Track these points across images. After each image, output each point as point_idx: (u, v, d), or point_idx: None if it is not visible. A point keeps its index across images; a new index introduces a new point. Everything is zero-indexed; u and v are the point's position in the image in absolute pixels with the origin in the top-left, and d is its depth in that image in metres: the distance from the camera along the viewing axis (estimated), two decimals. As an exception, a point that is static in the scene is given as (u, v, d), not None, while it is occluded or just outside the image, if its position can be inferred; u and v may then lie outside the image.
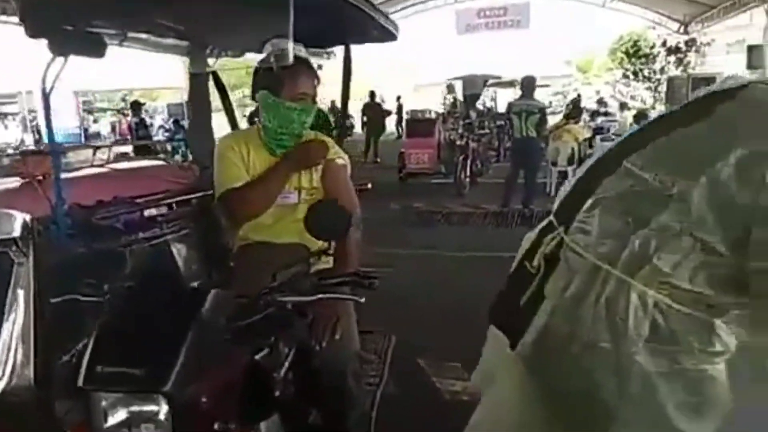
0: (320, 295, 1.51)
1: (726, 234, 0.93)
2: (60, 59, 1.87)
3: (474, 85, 10.78)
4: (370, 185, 3.00)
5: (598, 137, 9.95)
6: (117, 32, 2.02)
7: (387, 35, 2.44)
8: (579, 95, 18.85)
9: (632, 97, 20.93)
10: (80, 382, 1.24)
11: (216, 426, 1.36)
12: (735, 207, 0.92)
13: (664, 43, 19.62)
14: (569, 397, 1.07)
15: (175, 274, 1.89)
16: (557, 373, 1.08)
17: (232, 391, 1.41)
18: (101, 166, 3.81)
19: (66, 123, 19.19)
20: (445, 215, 7.71)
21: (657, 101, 18.64)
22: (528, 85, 7.85)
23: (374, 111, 13.84)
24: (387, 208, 8.32)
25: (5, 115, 21.70)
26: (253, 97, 2.06)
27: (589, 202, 1.13)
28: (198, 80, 2.06)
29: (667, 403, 1.00)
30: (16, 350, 1.55)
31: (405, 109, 16.20)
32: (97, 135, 20.23)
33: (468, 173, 9.08)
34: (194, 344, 1.32)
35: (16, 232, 1.52)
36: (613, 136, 9.64)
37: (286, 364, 1.73)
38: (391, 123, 17.77)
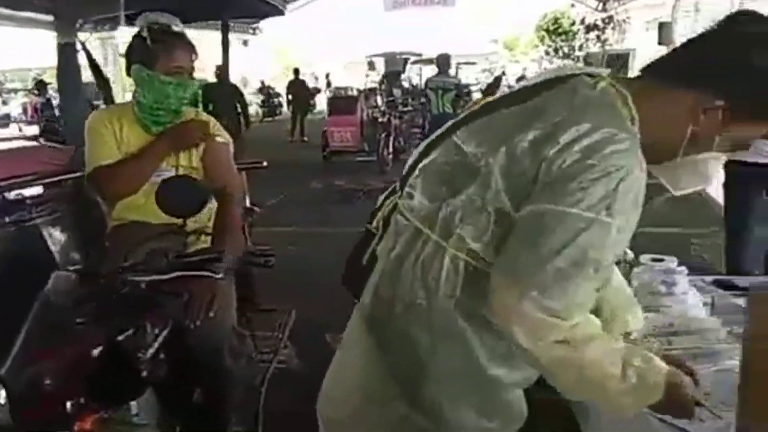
0: (175, 273, 1.49)
1: (514, 204, 1.00)
2: None
3: (395, 63, 10.83)
4: (265, 163, 2.97)
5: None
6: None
7: (271, 10, 2.41)
8: (504, 72, 19.24)
9: (556, 75, 21.55)
10: None
11: (68, 407, 1.34)
12: (524, 179, 0.99)
13: (582, 21, 20.21)
14: (396, 356, 1.12)
15: (41, 258, 1.84)
16: (386, 332, 1.13)
17: (83, 372, 1.38)
18: None
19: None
20: (366, 192, 7.76)
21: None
22: (443, 62, 8.00)
23: (299, 89, 13.67)
24: (309, 186, 8.31)
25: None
26: (127, 72, 2.00)
27: (417, 169, 1.18)
28: (66, 55, 1.97)
29: (480, 355, 1.08)
30: None
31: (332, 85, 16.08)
32: (6, 117, 19.06)
33: (391, 150, 9.15)
34: (34, 327, 1.29)
35: None
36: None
37: (156, 344, 1.71)
38: (322, 101, 17.63)
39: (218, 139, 2.13)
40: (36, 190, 2.19)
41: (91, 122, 2.02)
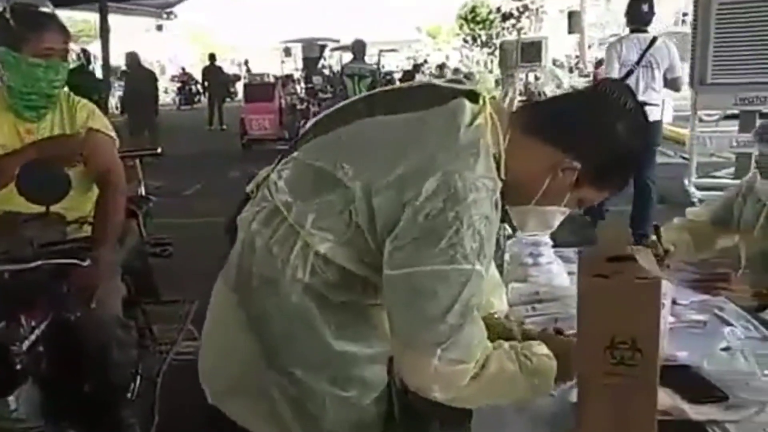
0: (38, 262, 1.46)
1: (374, 228, 1.04)
2: None
3: (312, 50, 10.75)
4: (159, 149, 2.91)
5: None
6: None
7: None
8: (426, 60, 19.49)
9: (477, 62, 22.06)
10: None
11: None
12: (391, 210, 1.03)
13: (498, 9, 20.77)
14: (260, 326, 1.14)
15: None
16: (250, 303, 1.14)
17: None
18: None
19: None
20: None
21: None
22: (359, 48, 8.06)
23: (215, 75, 13.30)
24: (227, 176, 8.14)
25: None
26: None
27: (291, 155, 1.19)
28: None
29: (326, 333, 1.12)
30: None
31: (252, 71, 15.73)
32: None
33: (309, 137, 9.09)
34: None
35: None
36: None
37: (32, 336, 1.67)
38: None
39: (99, 128, 2.07)
40: None
41: None
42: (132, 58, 9.39)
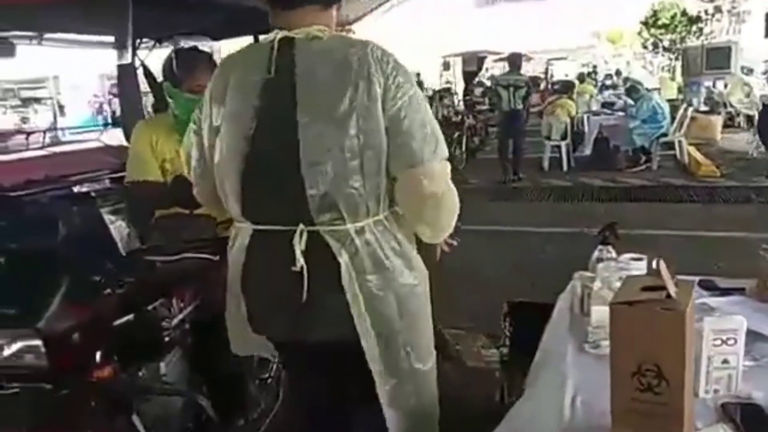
0: (180, 256, 1.80)
1: None
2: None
3: (471, 62, 10.87)
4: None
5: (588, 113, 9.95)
6: (33, 35, 2.35)
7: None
8: (595, 68, 18.60)
9: (662, 69, 20.55)
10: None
11: (97, 357, 1.67)
12: None
13: (684, 12, 19.16)
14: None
15: (104, 242, 2.21)
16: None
17: (110, 333, 1.71)
18: (40, 148, 4.23)
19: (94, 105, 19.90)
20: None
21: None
22: (514, 60, 8.11)
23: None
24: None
25: (37, 99, 22.57)
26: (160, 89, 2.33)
27: None
28: (125, 69, 2.35)
29: (391, 312, 1.44)
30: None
31: (425, 85, 16.23)
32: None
33: (464, 149, 9.26)
34: (70, 292, 1.63)
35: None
36: (613, 112, 9.70)
37: (181, 315, 2.04)
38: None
39: None
40: (101, 184, 2.61)
41: (133, 136, 2.36)
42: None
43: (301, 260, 1.38)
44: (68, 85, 21.16)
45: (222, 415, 2.11)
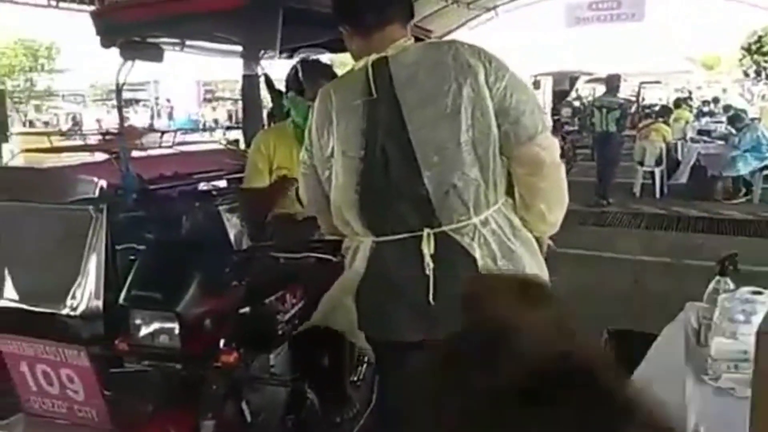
0: (302, 254, 1.89)
1: None
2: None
3: (562, 82, 10.68)
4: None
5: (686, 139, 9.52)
6: (177, 41, 2.55)
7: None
8: (690, 93, 17.82)
9: (763, 97, 19.44)
10: (120, 300, 1.72)
11: (221, 344, 1.79)
12: None
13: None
14: None
15: (220, 237, 2.36)
16: None
17: (233, 322, 1.82)
18: (170, 147, 4.53)
19: (190, 109, 21.07)
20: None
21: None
22: (611, 82, 7.94)
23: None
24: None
25: (138, 101, 24.15)
26: (286, 97, 2.47)
27: None
28: (250, 80, 2.51)
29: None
30: (90, 283, 2.04)
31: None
32: (215, 121, 21.90)
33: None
34: (203, 282, 1.76)
35: (94, 194, 2.03)
36: (712, 140, 9.25)
37: (293, 310, 2.14)
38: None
39: None
40: (221, 183, 2.78)
41: (253, 145, 2.52)
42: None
43: (429, 261, 1.44)
44: (167, 90, 22.49)
45: (325, 409, 2.20)
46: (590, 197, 8.00)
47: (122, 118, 3.11)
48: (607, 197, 7.85)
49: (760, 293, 1.77)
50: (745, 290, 1.79)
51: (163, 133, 6.07)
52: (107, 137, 4.26)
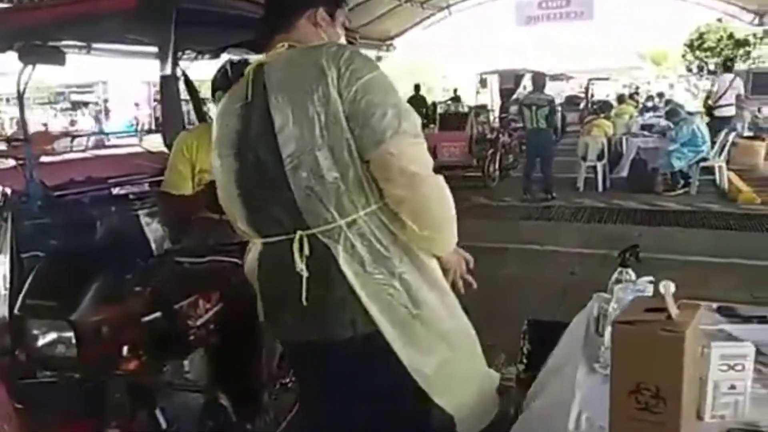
0: (208, 258, 1.88)
1: None
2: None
3: (508, 80, 10.87)
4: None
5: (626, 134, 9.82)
6: (82, 44, 2.49)
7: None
8: (637, 88, 18.34)
9: (708, 93, 20.11)
10: (15, 310, 1.68)
11: (125, 351, 1.76)
12: None
13: (731, 36, 18.76)
14: None
15: (139, 242, 2.32)
16: None
17: (138, 329, 1.80)
18: (83, 151, 4.44)
19: (144, 112, 20.57)
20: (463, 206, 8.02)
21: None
22: (538, 80, 8.24)
23: (419, 104, 14.07)
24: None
25: (85, 103, 23.48)
26: (212, 96, 2.44)
27: None
28: (167, 80, 2.47)
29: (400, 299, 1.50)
30: (-4, 290, 1.98)
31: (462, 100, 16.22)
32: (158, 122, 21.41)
33: (497, 167, 9.24)
34: (102, 288, 1.73)
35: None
36: (652, 134, 9.55)
37: (207, 316, 2.12)
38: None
39: None
40: (140, 187, 2.73)
41: (177, 145, 2.46)
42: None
43: (300, 264, 1.45)
44: (115, 91, 21.93)
45: (240, 416, 2.18)
46: (526, 193, 8.19)
47: (25, 124, 3.03)
48: (551, 191, 8.03)
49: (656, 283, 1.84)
50: (644, 280, 1.86)
51: (74, 137, 5.96)
52: (14, 143, 4.14)
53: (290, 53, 1.52)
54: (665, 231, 6.48)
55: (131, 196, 2.56)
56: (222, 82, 2.34)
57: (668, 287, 1.11)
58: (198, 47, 2.79)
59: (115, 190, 2.68)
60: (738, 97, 10.03)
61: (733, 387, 1.30)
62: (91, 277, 1.73)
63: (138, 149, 4.51)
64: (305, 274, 1.45)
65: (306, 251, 1.45)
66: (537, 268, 5.10)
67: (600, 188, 8.58)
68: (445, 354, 1.59)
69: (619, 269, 2.01)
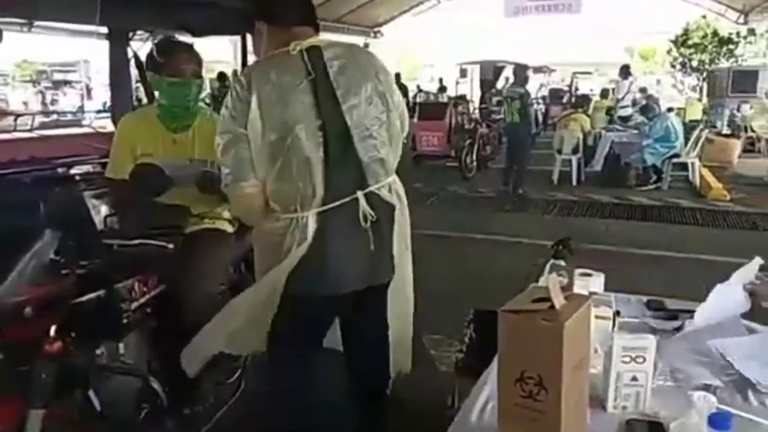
0: (138, 241, 1.87)
1: None
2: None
3: (489, 71, 10.86)
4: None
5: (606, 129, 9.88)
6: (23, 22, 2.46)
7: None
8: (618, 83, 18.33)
9: (693, 89, 20.24)
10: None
11: (52, 332, 1.75)
12: None
13: (715, 33, 18.84)
14: None
15: (83, 223, 2.29)
16: None
17: (66, 310, 1.78)
18: (29, 131, 4.37)
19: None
20: (440, 196, 8.09)
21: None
22: (519, 72, 8.22)
23: (401, 93, 13.93)
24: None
25: (67, 82, 23.08)
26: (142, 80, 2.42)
27: None
28: (117, 60, 2.45)
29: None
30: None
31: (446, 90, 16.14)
32: (139, 101, 21.09)
33: (474, 158, 9.25)
34: (27, 269, 1.71)
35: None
36: (626, 129, 9.61)
37: (142, 299, 2.12)
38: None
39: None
40: (86, 168, 2.71)
41: (119, 128, 2.44)
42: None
43: (368, 217, 1.79)
44: (96, 70, 21.56)
45: (177, 400, 2.19)
46: (503, 185, 8.25)
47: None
48: (521, 184, 8.03)
49: (587, 275, 1.87)
50: (577, 272, 1.89)
51: (17, 116, 5.91)
52: (-48, 122, 4.12)
53: (343, 45, 1.89)
54: (633, 225, 6.55)
55: (77, 177, 2.53)
56: (150, 62, 2.32)
57: (554, 279, 1.13)
58: (149, 28, 2.76)
59: (61, 171, 2.66)
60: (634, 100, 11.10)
61: (635, 378, 1.33)
62: (15, 259, 1.71)
63: (88, 130, 4.45)
64: (371, 222, 1.79)
65: (368, 208, 1.79)
66: (501, 258, 5.14)
67: (574, 182, 8.64)
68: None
69: (552, 261, 2.04)
